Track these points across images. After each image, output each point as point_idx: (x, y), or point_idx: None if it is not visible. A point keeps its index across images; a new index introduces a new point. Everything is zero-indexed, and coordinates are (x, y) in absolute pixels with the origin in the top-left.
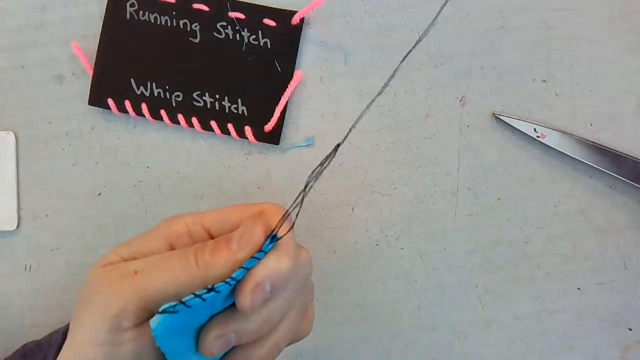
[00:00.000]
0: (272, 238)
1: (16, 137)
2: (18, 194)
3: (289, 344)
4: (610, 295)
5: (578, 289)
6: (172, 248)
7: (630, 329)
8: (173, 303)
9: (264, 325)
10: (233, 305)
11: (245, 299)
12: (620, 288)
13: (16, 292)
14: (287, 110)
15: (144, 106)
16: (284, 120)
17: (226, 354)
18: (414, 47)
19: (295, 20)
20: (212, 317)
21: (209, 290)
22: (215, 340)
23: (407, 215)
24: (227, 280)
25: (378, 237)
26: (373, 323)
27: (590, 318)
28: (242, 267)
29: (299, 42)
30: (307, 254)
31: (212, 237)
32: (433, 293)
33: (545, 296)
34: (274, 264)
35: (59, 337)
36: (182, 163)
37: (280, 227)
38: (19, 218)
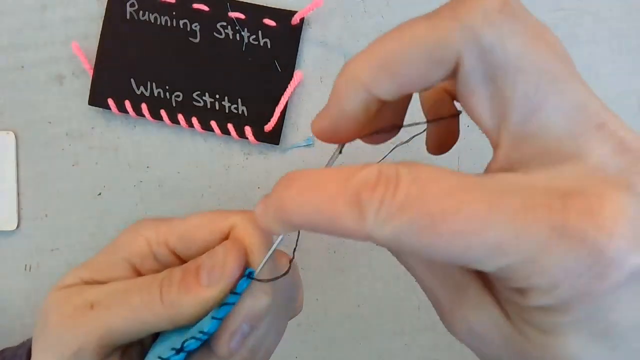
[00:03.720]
0: (248, 274)
1: (16, 137)
2: (18, 194)
3: None
4: None
5: None
6: (136, 270)
7: None
8: None
9: (250, 356)
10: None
11: (223, 350)
12: None
13: (16, 292)
14: (287, 110)
15: (144, 106)
16: (284, 120)
17: None
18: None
19: (295, 20)
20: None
21: (178, 351)
22: None
23: None
24: (198, 336)
25: None
26: (373, 323)
27: None
28: (215, 318)
29: (299, 42)
30: (286, 260)
31: (179, 259)
32: None
33: None
34: (250, 306)
35: (24, 353)
36: (182, 163)
37: (261, 267)
38: (19, 218)
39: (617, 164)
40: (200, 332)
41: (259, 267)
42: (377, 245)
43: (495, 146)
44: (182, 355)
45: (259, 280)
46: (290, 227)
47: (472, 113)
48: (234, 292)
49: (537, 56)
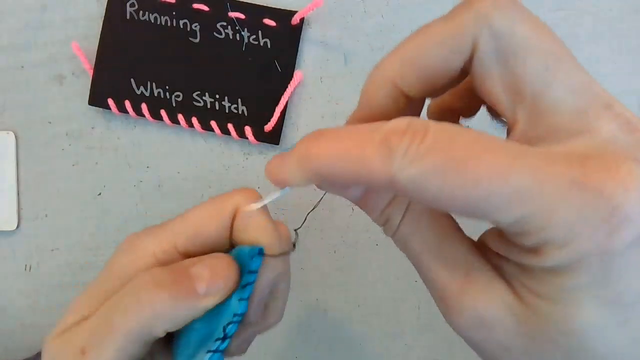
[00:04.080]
0: (259, 251)
1: (16, 137)
2: (18, 194)
3: None
4: None
5: None
6: None
7: None
8: None
9: (282, 310)
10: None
11: (254, 316)
12: None
13: (16, 292)
14: (287, 110)
15: (144, 106)
16: (284, 120)
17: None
18: None
19: (295, 20)
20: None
21: (223, 339)
22: (237, 348)
23: None
24: (235, 319)
25: (378, 237)
26: (373, 323)
27: None
28: (243, 299)
29: (299, 42)
30: (285, 229)
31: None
32: None
33: None
34: (269, 277)
35: None
36: (182, 163)
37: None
38: (19, 218)
39: (626, 141)
40: (235, 315)
41: (260, 204)
42: (398, 193)
43: (511, 126)
44: (227, 341)
45: (271, 256)
46: (314, 174)
47: (489, 96)
48: (250, 272)
49: (542, 39)
